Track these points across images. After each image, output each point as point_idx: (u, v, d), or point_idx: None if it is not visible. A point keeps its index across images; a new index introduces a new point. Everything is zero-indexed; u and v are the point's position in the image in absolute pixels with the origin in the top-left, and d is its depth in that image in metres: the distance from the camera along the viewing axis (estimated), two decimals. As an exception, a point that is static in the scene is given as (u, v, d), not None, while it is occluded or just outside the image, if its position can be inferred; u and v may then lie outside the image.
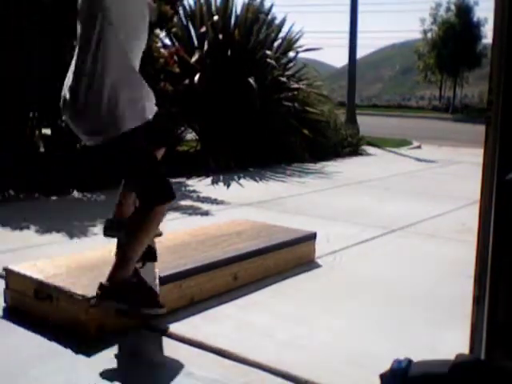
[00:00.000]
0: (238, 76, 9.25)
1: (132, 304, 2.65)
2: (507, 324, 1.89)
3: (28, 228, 4.81)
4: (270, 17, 10.60)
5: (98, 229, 4.88)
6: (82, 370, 2.50)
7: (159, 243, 3.74)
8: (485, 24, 34.22)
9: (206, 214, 5.64)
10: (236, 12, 10.14)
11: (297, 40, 10.67)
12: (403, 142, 13.86)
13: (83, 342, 2.73)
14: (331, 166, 9.48)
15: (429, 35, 36.48)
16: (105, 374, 2.46)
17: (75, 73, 2.61)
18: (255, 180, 7.86)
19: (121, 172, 2.89)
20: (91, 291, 2.81)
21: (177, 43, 9.64)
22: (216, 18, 9.85)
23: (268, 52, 9.80)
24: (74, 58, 2.70)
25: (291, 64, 10.92)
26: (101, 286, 2.63)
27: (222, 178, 7.81)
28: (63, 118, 2.77)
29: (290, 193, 6.92)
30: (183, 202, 6.16)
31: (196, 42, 9.89)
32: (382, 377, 2.02)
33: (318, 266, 4.05)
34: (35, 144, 7.10)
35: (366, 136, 12.79)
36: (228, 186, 7.38)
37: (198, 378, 2.44)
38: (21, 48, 6.37)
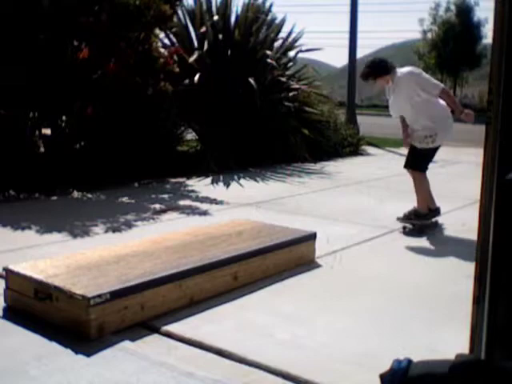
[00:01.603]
0: (238, 76, 9.25)
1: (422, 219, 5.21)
2: (507, 324, 1.89)
3: (28, 228, 4.81)
4: (270, 17, 10.59)
5: (99, 228, 4.88)
6: (82, 370, 2.50)
7: (159, 244, 3.75)
8: (485, 24, 34.19)
9: (206, 213, 5.64)
10: (236, 12, 10.15)
11: (297, 40, 10.66)
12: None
13: (83, 341, 2.73)
14: (331, 165, 9.47)
15: (429, 35, 36.45)
16: (105, 374, 2.46)
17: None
18: (255, 180, 7.86)
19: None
20: (91, 291, 2.81)
21: (177, 43, 9.64)
22: (216, 18, 9.85)
23: (268, 52, 9.79)
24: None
25: (291, 64, 10.91)
26: (417, 213, 5.19)
27: (221, 177, 7.81)
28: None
29: (290, 193, 6.92)
30: (183, 202, 6.16)
31: (196, 42, 9.89)
32: (382, 377, 2.02)
33: (317, 265, 4.06)
34: (35, 144, 7.11)
35: (366, 136, 12.77)
36: (228, 185, 7.38)
37: (198, 378, 2.44)
38: (21, 48, 6.37)
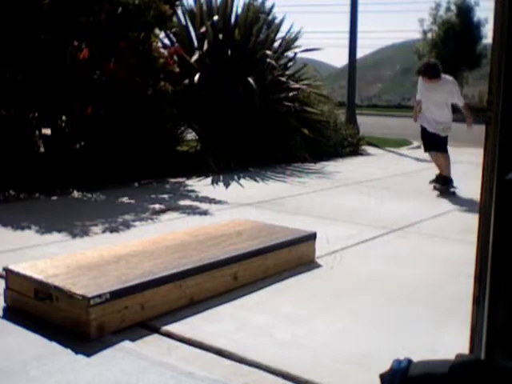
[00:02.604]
0: (238, 76, 9.25)
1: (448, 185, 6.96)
2: (507, 324, 1.89)
3: (28, 228, 4.81)
4: (270, 17, 10.59)
5: (99, 228, 4.88)
6: (82, 370, 2.50)
7: (159, 244, 3.75)
8: (485, 24, 34.16)
9: (206, 213, 5.64)
10: (236, 12, 10.14)
11: (296, 40, 10.67)
12: (403, 142, 13.85)
13: (83, 341, 2.73)
14: (331, 165, 9.47)
15: (429, 35, 36.43)
16: (105, 374, 2.46)
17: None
18: (255, 180, 7.86)
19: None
20: (91, 291, 2.81)
21: (177, 43, 9.64)
22: (216, 18, 9.85)
23: (268, 52, 9.79)
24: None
25: (291, 64, 10.91)
26: (443, 178, 6.97)
27: (221, 177, 7.81)
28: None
29: (290, 193, 6.92)
30: (183, 202, 6.16)
31: (196, 42, 9.89)
32: (382, 377, 2.02)
33: (317, 265, 4.06)
34: (35, 144, 7.11)
35: (366, 136, 12.77)
36: (228, 186, 7.38)
37: (198, 378, 2.44)
38: (21, 48, 6.37)
